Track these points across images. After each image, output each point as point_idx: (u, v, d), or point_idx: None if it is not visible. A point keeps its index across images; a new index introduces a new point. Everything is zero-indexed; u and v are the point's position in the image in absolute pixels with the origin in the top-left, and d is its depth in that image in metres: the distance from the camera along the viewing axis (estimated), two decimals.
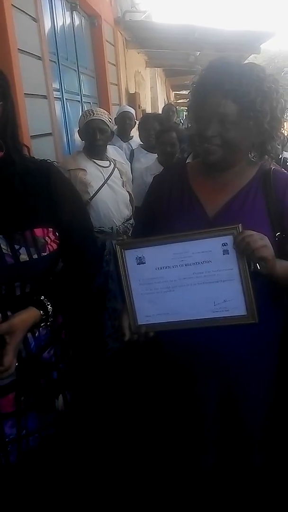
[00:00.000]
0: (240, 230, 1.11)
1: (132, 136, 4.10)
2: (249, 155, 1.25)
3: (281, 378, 1.34)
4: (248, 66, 1.19)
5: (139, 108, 6.60)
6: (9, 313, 1.11)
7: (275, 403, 1.34)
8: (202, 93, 1.20)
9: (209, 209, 1.25)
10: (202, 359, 1.26)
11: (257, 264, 1.11)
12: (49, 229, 1.15)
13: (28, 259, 1.10)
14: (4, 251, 1.07)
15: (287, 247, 1.23)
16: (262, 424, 1.33)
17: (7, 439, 1.15)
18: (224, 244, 1.13)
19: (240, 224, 1.11)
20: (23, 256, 1.09)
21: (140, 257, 1.21)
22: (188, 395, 1.32)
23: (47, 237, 1.14)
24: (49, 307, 1.14)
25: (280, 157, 3.60)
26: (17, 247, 1.08)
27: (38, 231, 1.12)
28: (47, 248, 1.13)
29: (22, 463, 1.17)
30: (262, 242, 1.09)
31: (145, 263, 1.21)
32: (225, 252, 1.14)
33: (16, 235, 1.09)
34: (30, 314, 1.12)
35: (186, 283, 1.19)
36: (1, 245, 1.07)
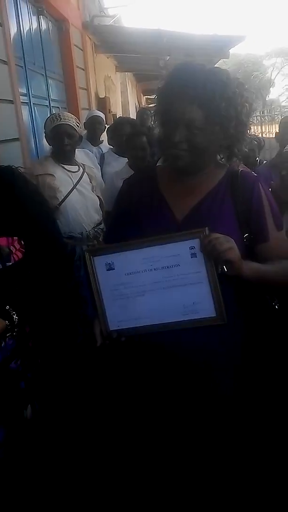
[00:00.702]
0: (207, 233, 1.12)
1: (102, 140, 4.08)
2: (218, 157, 1.26)
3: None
4: (212, 71, 1.19)
5: (109, 112, 6.59)
6: None
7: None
8: (168, 98, 1.21)
9: (178, 213, 1.26)
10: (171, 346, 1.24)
11: (224, 266, 1.12)
12: (14, 238, 1.12)
13: None
14: None
15: (256, 248, 1.25)
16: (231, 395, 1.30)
17: None
18: (191, 248, 1.14)
19: (207, 228, 1.12)
20: None
21: (109, 263, 1.21)
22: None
23: (12, 246, 1.12)
24: (14, 316, 1.12)
25: (257, 159, 3.69)
26: None
27: (2, 241, 1.10)
28: (12, 257, 1.11)
29: None
30: (228, 244, 1.10)
31: (114, 269, 1.21)
32: (193, 255, 1.14)
33: None
34: None
35: (156, 287, 1.19)
36: None
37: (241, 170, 1.29)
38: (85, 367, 2.00)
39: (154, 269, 1.17)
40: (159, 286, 1.18)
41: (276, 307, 1.32)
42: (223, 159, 1.28)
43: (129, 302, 1.21)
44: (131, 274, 1.19)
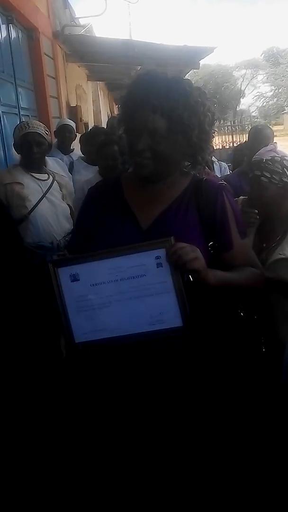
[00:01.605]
0: (173, 242, 1.11)
1: (73, 148, 4.06)
2: (182, 164, 1.27)
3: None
4: (175, 80, 1.20)
5: (80, 121, 6.57)
6: None
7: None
8: (131, 107, 1.21)
9: (143, 222, 1.25)
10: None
11: (190, 276, 1.12)
12: None
13: None
14: None
15: (220, 256, 1.25)
16: None
17: None
18: (157, 257, 1.13)
19: (172, 237, 1.12)
20: None
21: (74, 274, 1.18)
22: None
23: None
24: None
25: None
26: None
27: None
28: None
29: None
30: (193, 254, 1.10)
31: (79, 280, 1.18)
32: (159, 265, 1.14)
33: None
34: None
35: (122, 298, 1.17)
36: None
37: (205, 178, 1.30)
38: (54, 380, 1.97)
39: (120, 280, 1.16)
40: (125, 296, 1.17)
41: (242, 314, 1.32)
42: (186, 168, 1.29)
43: (95, 313, 1.19)
44: (97, 285, 1.18)
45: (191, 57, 6.83)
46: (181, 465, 1.31)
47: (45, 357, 1.74)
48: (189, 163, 1.29)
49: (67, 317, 1.21)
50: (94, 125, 6.41)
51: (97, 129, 4.08)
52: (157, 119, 1.15)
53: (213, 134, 1.28)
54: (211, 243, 1.23)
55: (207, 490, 1.35)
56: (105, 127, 5.01)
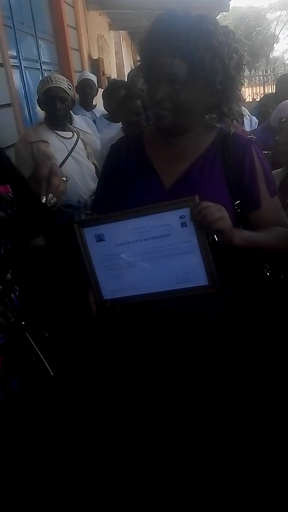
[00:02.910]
0: (197, 202, 1.08)
1: (95, 104, 3.95)
2: (206, 117, 1.19)
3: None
4: (197, 18, 1.08)
5: (103, 75, 6.34)
6: None
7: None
8: (149, 51, 1.11)
9: (166, 180, 1.21)
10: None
11: (215, 236, 1.11)
12: (7, 185, 1.18)
13: (5, 214, 1.13)
14: None
15: (248, 216, 1.22)
16: None
17: None
18: (181, 217, 1.11)
19: (197, 196, 1.09)
20: (1, 213, 1.13)
21: (99, 235, 1.19)
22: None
23: (9, 193, 1.18)
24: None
25: None
26: None
27: (1, 189, 1.15)
28: (14, 203, 1.17)
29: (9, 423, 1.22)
30: (219, 214, 1.06)
31: (104, 240, 1.20)
32: (183, 224, 1.12)
33: None
34: None
35: (147, 257, 1.18)
36: None
37: (233, 132, 1.21)
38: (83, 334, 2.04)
39: (145, 239, 1.16)
40: (150, 256, 1.17)
41: (268, 274, 1.31)
42: (212, 120, 1.21)
43: (122, 272, 1.21)
44: (122, 245, 1.18)
45: None
46: (209, 425, 1.35)
47: (76, 313, 1.80)
48: (215, 115, 1.21)
49: (94, 276, 1.23)
50: (112, 79, 6.16)
51: (116, 82, 3.88)
52: (177, 63, 1.05)
53: (241, 80, 1.16)
54: (238, 201, 1.19)
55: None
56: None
